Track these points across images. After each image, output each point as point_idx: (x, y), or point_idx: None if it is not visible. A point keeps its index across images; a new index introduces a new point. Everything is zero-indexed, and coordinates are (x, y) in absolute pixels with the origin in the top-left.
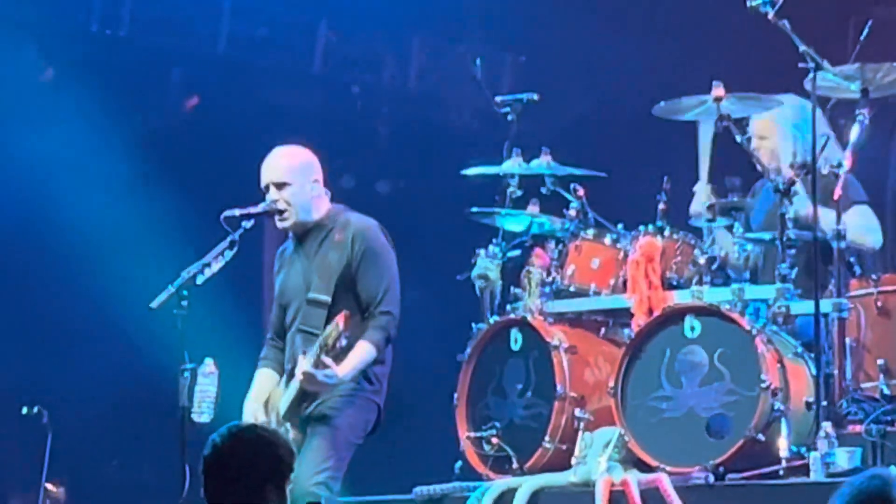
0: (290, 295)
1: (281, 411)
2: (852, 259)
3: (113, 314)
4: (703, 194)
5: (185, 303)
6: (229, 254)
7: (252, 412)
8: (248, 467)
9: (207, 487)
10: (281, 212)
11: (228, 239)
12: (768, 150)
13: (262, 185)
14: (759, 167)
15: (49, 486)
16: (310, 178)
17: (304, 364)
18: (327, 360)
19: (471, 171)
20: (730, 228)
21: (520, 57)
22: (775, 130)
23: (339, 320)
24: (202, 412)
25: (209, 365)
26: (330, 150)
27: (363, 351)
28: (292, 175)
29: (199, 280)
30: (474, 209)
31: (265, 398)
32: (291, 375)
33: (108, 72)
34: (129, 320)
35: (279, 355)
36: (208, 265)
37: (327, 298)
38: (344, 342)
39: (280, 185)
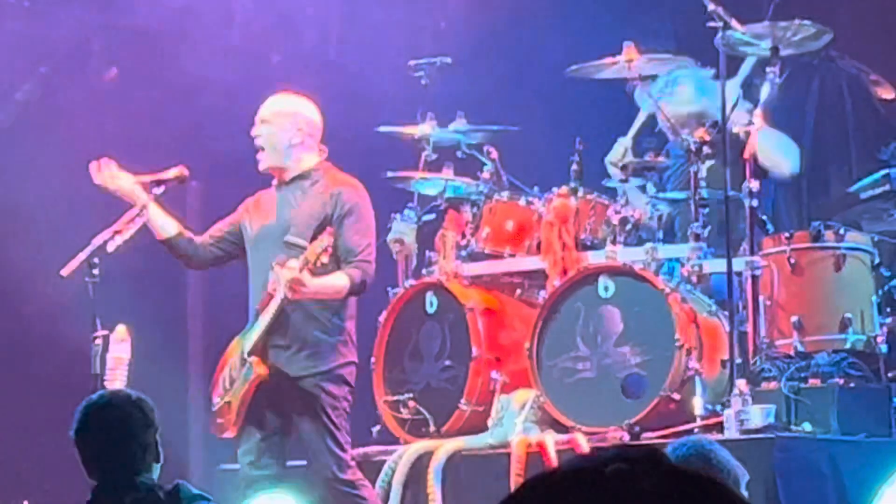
0: (263, 235)
1: (247, 348)
2: (765, 217)
3: (24, 282)
4: (621, 147)
5: (96, 270)
6: (140, 220)
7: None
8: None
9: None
10: (260, 149)
11: (139, 205)
12: None
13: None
14: (666, 129)
15: None
16: (294, 126)
17: (287, 273)
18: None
19: (385, 129)
20: (643, 188)
21: (439, 23)
22: None
23: (326, 235)
24: (115, 380)
25: (121, 332)
26: (252, 119)
27: (336, 277)
28: (275, 115)
29: (110, 247)
30: (389, 173)
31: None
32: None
33: (26, 43)
34: (39, 288)
35: (203, 251)
36: (119, 232)
37: (305, 243)
38: (325, 259)
39: (263, 121)
